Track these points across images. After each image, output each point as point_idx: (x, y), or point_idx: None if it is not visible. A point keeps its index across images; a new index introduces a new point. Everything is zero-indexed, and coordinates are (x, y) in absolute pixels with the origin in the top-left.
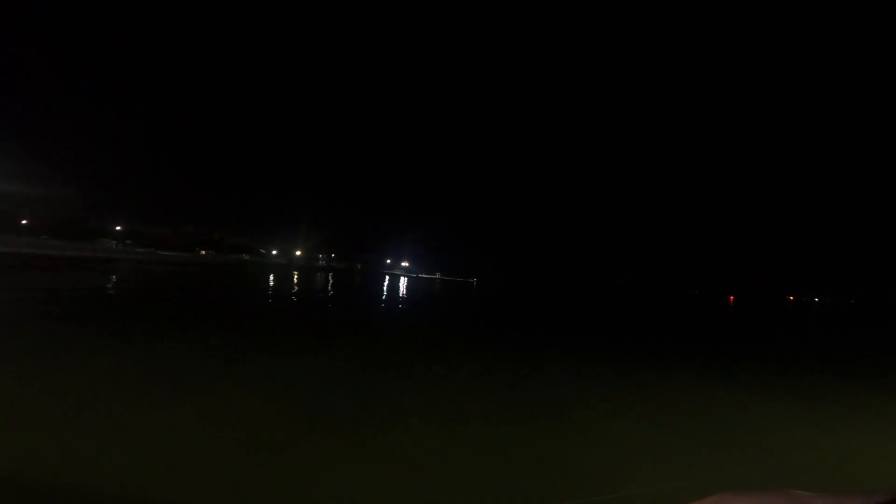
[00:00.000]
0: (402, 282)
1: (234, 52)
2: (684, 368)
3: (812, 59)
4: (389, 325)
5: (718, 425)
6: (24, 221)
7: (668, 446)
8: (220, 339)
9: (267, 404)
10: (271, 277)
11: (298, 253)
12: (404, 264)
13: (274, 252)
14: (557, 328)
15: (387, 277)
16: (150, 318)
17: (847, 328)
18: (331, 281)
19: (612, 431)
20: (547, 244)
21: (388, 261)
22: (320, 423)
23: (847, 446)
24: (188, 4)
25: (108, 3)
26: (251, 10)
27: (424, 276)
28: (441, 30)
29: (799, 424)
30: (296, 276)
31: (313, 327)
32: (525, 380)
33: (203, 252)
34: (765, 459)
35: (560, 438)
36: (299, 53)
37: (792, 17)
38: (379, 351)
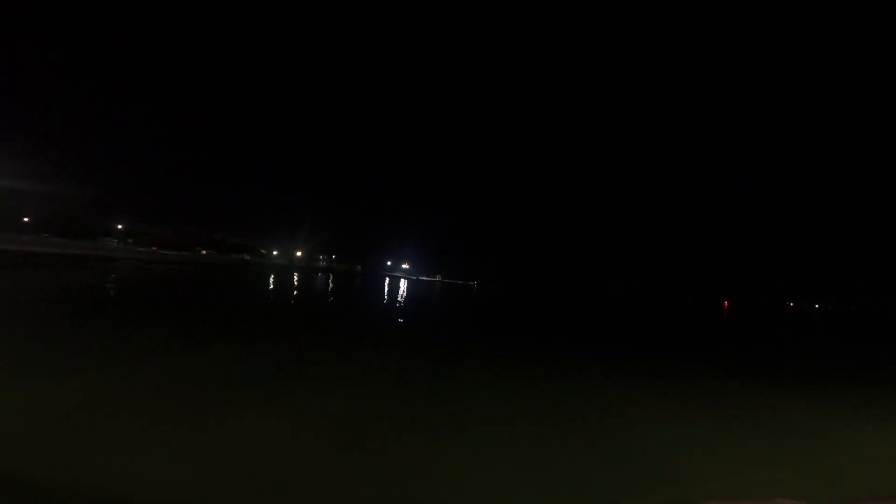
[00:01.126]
0: (401, 284)
1: (236, 52)
2: (605, 375)
3: (811, 60)
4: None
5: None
6: (25, 219)
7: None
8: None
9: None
10: (271, 278)
11: (299, 254)
12: (405, 266)
13: (275, 253)
14: (532, 333)
15: (387, 280)
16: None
17: (834, 335)
18: (330, 283)
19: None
20: (548, 249)
21: (389, 263)
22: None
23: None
24: (188, 4)
25: (108, 3)
26: (252, 10)
27: (424, 278)
28: (442, 31)
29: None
30: (295, 278)
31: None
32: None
33: (204, 252)
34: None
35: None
36: (301, 54)
37: (789, 17)
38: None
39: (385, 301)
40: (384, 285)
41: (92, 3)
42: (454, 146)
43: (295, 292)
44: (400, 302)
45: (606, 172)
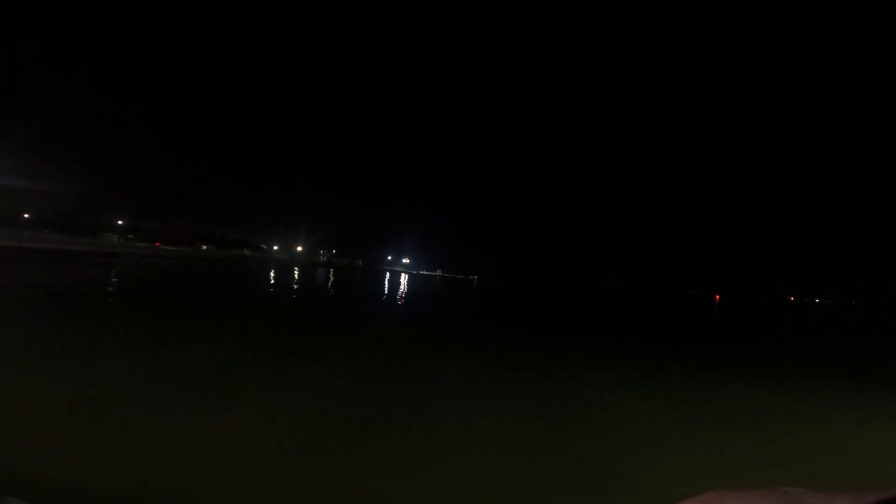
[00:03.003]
0: (397, 278)
1: (236, 49)
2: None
3: (811, 60)
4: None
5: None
6: (25, 215)
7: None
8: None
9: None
10: (270, 273)
11: (299, 249)
12: (405, 261)
13: (275, 248)
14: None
15: (387, 274)
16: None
17: (810, 328)
18: (330, 277)
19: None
20: (550, 243)
21: (389, 257)
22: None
23: None
24: (189, 3)
25: (109, 2)
26: (252, 9)
27: (425, 272)
28: (442, 27)
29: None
30: (295, 273)
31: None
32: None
33: (204, 247)
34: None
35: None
36: (300, 50)
37: (785, 16)
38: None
39: (378, 296)
40: (384, 280)
41: (92, 1)
42: (454, 145)
43: (295, 287)
44: (386, 295)
45: (607, 170)
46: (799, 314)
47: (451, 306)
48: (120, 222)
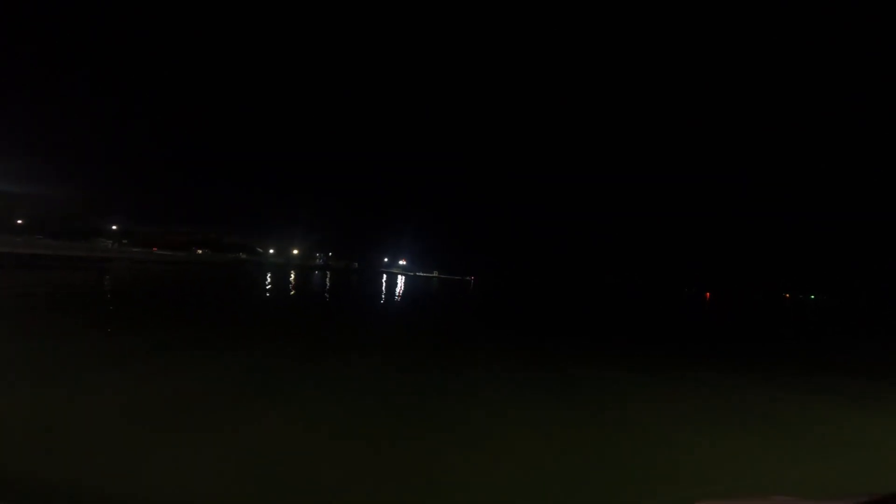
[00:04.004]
0: (392, 280)
1: (231, 51)
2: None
3: (809, 54)
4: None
5: None
6: (18, 221)
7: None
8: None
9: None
10: (266, 277)
11: (296, 252)
12: (402, 262)
13: (271, 251)
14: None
15: (383, 276)
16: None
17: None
18: (327, 280)
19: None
20: (551, 243)
21: (386, 259)
22: None
23: None
24: (185, 3)
25: (106, 2)
26: (249, 8)
27: (422, 274)
28: (439, 28)
29: None
30: (291, 276)
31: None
32: None
33: (199, 251)
34: None
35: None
36: (296, 52)
37: (785, 16)
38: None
39: (365, 300)
40: (379, 282)
41: (88, 0)
42: (453, 145)
43: (277, 290)
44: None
45: (606, 170)
46: (786, 311)
47: (439, 309)
48: (114, 227)
